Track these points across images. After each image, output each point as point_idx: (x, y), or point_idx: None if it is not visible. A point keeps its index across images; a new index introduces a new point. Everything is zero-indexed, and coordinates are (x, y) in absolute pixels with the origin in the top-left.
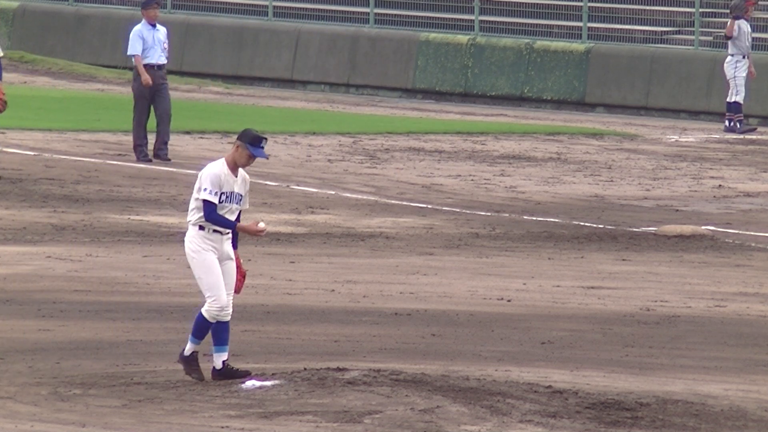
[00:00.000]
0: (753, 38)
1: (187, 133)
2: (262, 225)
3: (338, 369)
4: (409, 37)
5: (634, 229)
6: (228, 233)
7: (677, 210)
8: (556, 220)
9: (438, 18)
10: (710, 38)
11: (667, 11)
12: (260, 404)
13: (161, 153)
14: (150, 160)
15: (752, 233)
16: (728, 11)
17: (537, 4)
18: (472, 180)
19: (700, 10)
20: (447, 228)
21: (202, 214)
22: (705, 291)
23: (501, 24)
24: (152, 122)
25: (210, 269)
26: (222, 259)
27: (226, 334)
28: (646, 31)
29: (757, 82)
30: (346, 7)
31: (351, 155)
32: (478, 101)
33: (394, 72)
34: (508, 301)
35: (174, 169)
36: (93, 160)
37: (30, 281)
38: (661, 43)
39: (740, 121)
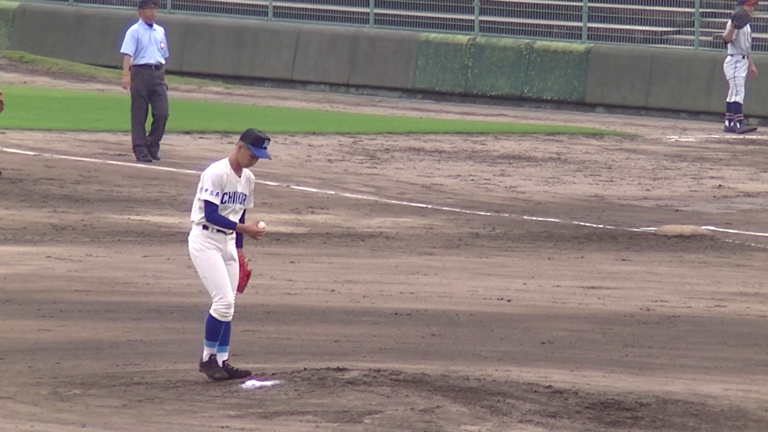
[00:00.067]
0: (753, 38)
1: (187, 133)
2: (262, 225)
3: (338, 369)
4: (409, 37)
5: (634, 229)
6: (232, 233)
7: (677, 210)
8: (556, 220)
9: (438, 18)
10: (710, 38)
11: (667, 11)
12: (260, 404)
13: (152, 151)
14: (150, 160)
15: (752, 233)
16: (730, 18)
17: (537, 4)
18: (472, 180)
19: (700, 10)
20: (447, 228)
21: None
22: (705, 291)
23: (501, 24)
24: (148, 121)
25: (215, 268)
26: (225, 259)
27: (226, 334)
28: (646, 31)
29: (757, 82)
30: (346, 7)
31: (351, 155)
32: (478, 101)
33: (394, 72)
34: (508, 301)
35: (174, 169)
36: (93, 160)
37: (30, 281)
38: (661, 43)
39: (740, 121)
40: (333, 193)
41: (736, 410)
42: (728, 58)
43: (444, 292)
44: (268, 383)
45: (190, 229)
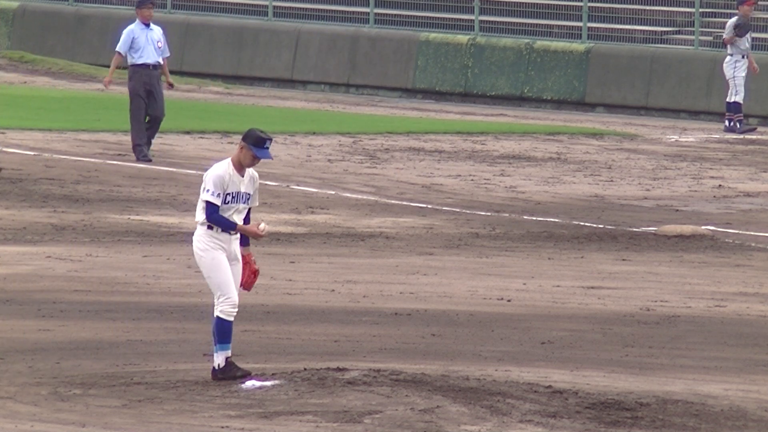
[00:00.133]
0: (753, 38)
1: (187, 133)
2: (263, 226)
3: (338, 369)
4: (409, 37)
5: (634, 229)
6: (236, 233)
7: (677, 210)
8: (556, 220)
9: (438, 18)
10: (710, 38)
11: (667, 11)
12: (260, 404)
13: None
14: (150, 160)
15: (752, 233)
16: (732, 26)
17: (537, 4)
18: (472, 180)
19: (700, 10)
20: (447, 228)
21: None
22: (705, 291)
23: (501, 24)
24: None
25: (219, 268)
26: (230, 259)
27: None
28: (646, 31)
29: (757, 82)
30: (346, 7)
31: (351, 155)
32: (478, 101)
33: (394, 72)
34: (508, 301)
35: (174, 169)
36: (93, 160)
37: (30, 281)
38: (661, 43)
39: (740, 121)
40: (333, 193)
41: (736, 410)
42: (728, 58)
43: (444, 292)
44: (268, 383)
45: (190, 229)
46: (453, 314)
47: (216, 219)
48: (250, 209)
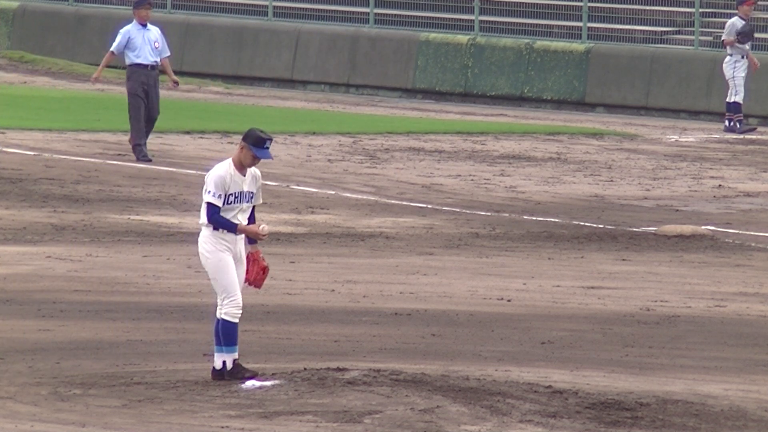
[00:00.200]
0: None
1: (187, 133)
2: (264, 227)
3: (338, 369)
4: (409, 37)
5: (634, 229)
6: (241, 233)
7: (677, 210)
8: (556, 220)
9: (438, 18)
10: (710, 38)
11: (667, 11)
12: (260, 404)
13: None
14: (149, 160)
15: (752, 233)
16: (736, 32)
17: (537, 4)
18: (472, 180)
19: (700, 10)
20: (447, 228)
21: None
22: (705, 291)
23: (501, 24)
24: None
25: (226, 270)
26: (235, 260)
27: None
28: (646, 31)
29: (757, 82)
30: (346, 7)
31: (351, 155)
32: (478, 101)
33: (394, 72)
34: (508, 301)
35: (174, 169)
36: (93, 160)
37: (30, 281)
38: (661, 43)
39: (740, 121)
40: (333, 193)
41: (736, 410)
42: (727, 58)
43: (444, 292)
44: (268, 383)
45: (190, 229)
46: (453, 314)
47: (217, 220)
48: (254, 208)
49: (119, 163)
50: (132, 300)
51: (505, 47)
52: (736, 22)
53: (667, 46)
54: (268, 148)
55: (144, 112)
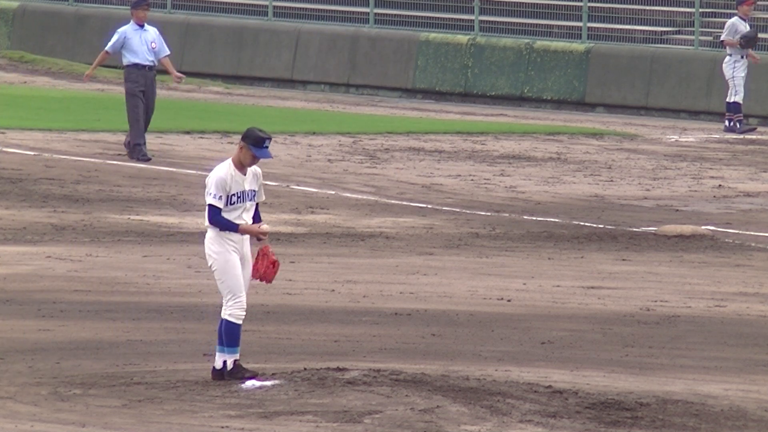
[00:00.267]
0: None
1: (187, 133)
2: (265, 227)
3: (338, 369)
4: (409, 37)
5: (634, 229)
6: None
7: (677, 210)
8: (556, 220)
9: (438, 18)
10: (710, 38)
11: (667, 11)
12: (260, 404)
13: (129, 146)
14: (149, 159)
15: (752, 233)
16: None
17: (537, 4)
18: (472, 180)
19: (700, 10)
20: (447, 228)
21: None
22: (705, 291)
23: (501, 24)
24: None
25: (233, 271)
26: (241, 260)
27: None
28: (646, 31)
29: (757, 82)
30: (346, 7)
31: (351, 155)
32: (478, 101)
33: (394, 72)
34: (508, 301)
35: (174, 169)
36: (93, 160)
37: (30, 281)
38: (661, 43)
39: (740, 121)
40: (333, 193)
41: (736, 410)
42: (727, 58)
43: (444, 292)
44: (268, 383)
45: (190, 229)
46: (453, 314)
47: (218, 221)
48: (258, 206)
49: (119, 163)
50: (132, 300)
51: (505, 47)
52: (736, 22)
53: (667, 46)
54: (267, 147)
55: (142, 113)
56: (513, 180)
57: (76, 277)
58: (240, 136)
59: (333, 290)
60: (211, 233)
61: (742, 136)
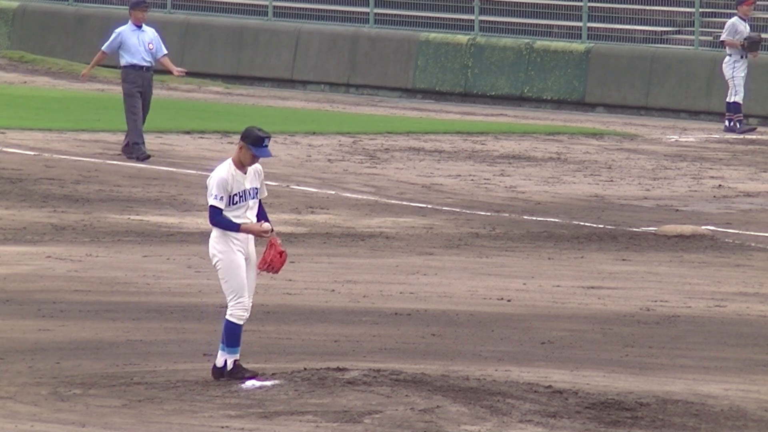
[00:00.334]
0: None
1: (187, 133)
2: (266, 226)
3: (338, 369)
4: (409, 37)
5: (634, 229)
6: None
7: (677, 210)
8: (556, 220)
9: (438, 18)
10: (710, 38)
11: (667, 11)
12: (260, 404)
13: (129, 150)
14: (148, 157)
15: (752, 233)
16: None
17: (537, 4)
18: (472, 180)
19: (700, 10)
20: (447, 228)
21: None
22: (705, 291)
23: (501, 24)
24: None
25: (236, 271)
26: (246, 260)
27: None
28: (646, 31)
29: (757, 82)
30: (346, 7)
31: (351, 155)
32: (478, 101)
33: (394, 72)
34: (508, 301)
35: (174, 169)
36: (93, 160)
37: (30, 281)
38: (661, 43)
39: (740, 121)
40: (333, 193)
41: (736, 410)
42: (727, 58)
43: (444, 292)
44: (268, 383)
45: (190, 229)
46: (453, 314)
47: (219, 222)
48: (261, 203)
49: (119, 163)
50: (132, 300)
51: (505, 47)
52: (735, 23)
53: (667, 46)
54: (266, 146)
55: (140, 113)
56: (513, 180)
57: (76, 277)
58: (240, 136)
59: (333, 290)
60: (216, 232)
61: (742, 136)
